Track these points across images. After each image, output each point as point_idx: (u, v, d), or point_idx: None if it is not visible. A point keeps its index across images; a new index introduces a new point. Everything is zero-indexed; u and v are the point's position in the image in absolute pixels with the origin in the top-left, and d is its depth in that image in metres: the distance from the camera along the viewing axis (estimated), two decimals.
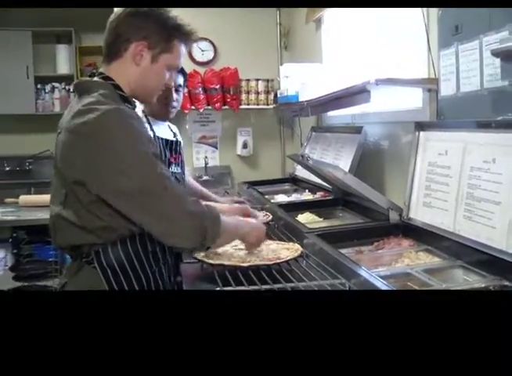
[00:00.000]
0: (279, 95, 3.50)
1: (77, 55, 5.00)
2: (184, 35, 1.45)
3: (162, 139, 2.17)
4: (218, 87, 3.97)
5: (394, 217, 1.88)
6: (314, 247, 1.68)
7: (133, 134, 1.28)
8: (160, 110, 2.19)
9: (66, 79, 5.00)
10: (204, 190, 2.49)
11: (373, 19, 2.63)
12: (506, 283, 1.31)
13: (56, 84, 5.03)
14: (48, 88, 5.01)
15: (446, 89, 1.80)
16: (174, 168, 2.21)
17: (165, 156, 2.14)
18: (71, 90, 5.09)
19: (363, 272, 1.36)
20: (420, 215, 1.80)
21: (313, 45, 3.52)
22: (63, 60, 5.04)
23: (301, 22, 3.67)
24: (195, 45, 4.10)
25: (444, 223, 1.65)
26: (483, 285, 1.32)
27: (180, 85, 2.24)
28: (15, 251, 3.43)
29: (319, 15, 3.28)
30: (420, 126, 1.86)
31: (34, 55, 4.87)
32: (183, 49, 1.47)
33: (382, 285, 1.24)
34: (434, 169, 1.75)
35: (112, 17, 1.43)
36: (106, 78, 1.40)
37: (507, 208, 1.37)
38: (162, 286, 1.47)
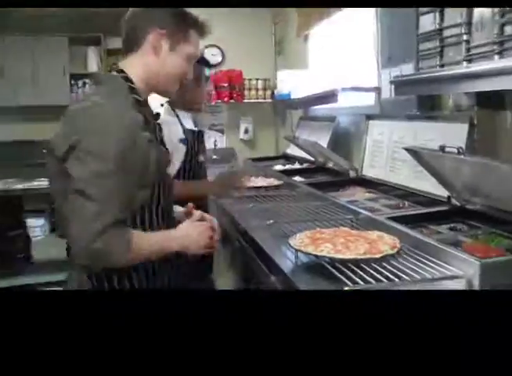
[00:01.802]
0: (276, 94, 4.60)
1: (105, 55, 6.00)
2: (200, 26, 1.46)
3: (191, 130, 2.34)
4: (226, 85, 5.02)
5: (352, 174, 2.99)
6: (302, 191, 2.77)
7: (105, 133, 1.25)
8: (193, 100, 2.35)
9: None
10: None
11: (346, 40, 3.72)
12: (406, 203, 2.41)
13: (87, 80, 5.93)
14: (80, 83, 5.94)
15: (385, 94, 2.89)
16: (201, 158, 2.41)
17: (192, 147, 2.30)
18: None
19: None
20: (368, 171, 2.91)
21: (301, 53, 4.59)
22: (93, 60, 6.00)
23: (293, 34, 4.72)
24: (206, 50, 5.16)
25: (380, 175, 2.75)
26: (393, 203, 2.42)
27: (208, 77, 2.51)
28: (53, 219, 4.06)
29: (306, 31, 4.36)
30: (369, 117, 2.95)
31: (70, 56, 5.88)
32: (199, 38, 1.46)
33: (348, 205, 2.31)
34: (376, 143, 2.85)
35: (128, 14, 1.43)
36: (120, 71, 1.39)
37: (410, 164, 2.46)
38: (145, 279, 1.39)
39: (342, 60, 3.79)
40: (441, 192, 2.09)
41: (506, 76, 1.50)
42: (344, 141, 3.52)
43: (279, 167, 3.87)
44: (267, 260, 1.85)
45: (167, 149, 1.52)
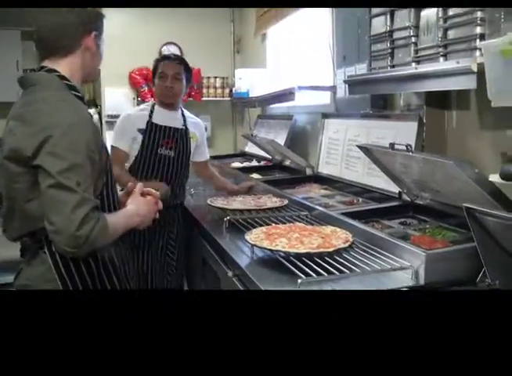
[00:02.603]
0: (234, 92, 4.62)
1: None
2: (101, 13, 1.56)
3: (155, 124, 2.50)
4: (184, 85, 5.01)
5: (309, 171, 3.05)
6: (259, 188, 2.82)
7: (74, 126, 1.32)
8: (161, 94, 2.53)
9: None
10: (218, 177, 2.87)
11: (302, 40, 3.79)
12: (360, 199, 2.48)
13: None
14: None
15: (340, 93, 2.96)
16: (164, 151, 2.53)
17: (153, 138, 2.49)
18: None
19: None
20: (323, 169, 2.98)
21: (259, 52, 4.63)
22: None
23: (251, 33, 4.76)
24: (165, 47, 5.14)
25: (335, 172, 2.82)
26: (347, 200, 2.49)
27: (178, 73, 2.50)
28: None
29: (264, 31, 4.40)
30: (325, 115, 3.02)
31: (23, 51, 5.74)
32: None
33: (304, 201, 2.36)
34: (331, 141, 2.92)
35: (52, 21, 1.44)
36: (50, 71, 1.43)
37: (364, 161, 2.53)
38: (113, 272, 1.51)
39: (299, 59, 3.86)
40: (393, 188, 2.17)
41: (450, 77, 1.59)
42: (300, 139, 3.58)
43: (236, 164, 3.91)
44: (224, 255, 1.88)
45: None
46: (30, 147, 1.31)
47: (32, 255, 1.45)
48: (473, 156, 1.90)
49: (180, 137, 2.60)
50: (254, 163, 3.95)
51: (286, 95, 3.23)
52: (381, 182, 2.31)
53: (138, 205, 1.55)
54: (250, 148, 4.30)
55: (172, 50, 5.14)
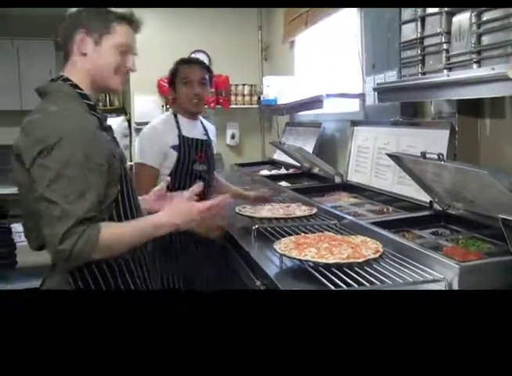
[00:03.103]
0: (262, 99, 4.63)
1: None
2: (122, 16, 1.48)
3: (187, 137, 2.33)
4: (212, 90, 5.04)
5: (338, 179, 3.02)
6: (288, 196, 2.80)
7: (64, 138, 1.29)
8: (187, 102, 2.33)
9: None
10: (231, 187, 2.73)
11: (331, 47, 3.77)
12: (390, 208, 2.44)
13: None
14: None
15: (369, 101, 2.93)
16: (198, 167, 2.37)
17: (189, 154, 2.31)
18: None
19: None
20: (352, 177, 2.94)
21: (287, 59, 4.63)
22: None
23: (279, 40, 4.76)
24: (193, 55, 5.18)
25: (364, 181, 2.79)
26: (377, 208, 2.46)
27: (204, 78, 2.35)
28: None
29: (292, 38, 4.40)
30: (354, 123, 2.99)
31: (56, 60, 5.88)
32: (128, 30, 1.49)
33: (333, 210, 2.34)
34: (360, 149, 2.89)
35: (59, 26, 1.48)
36: (65, 80, 1.43)
37: (394, 170, 2.50)
38: (131, 280, 1.49)
39: (327, 67, 3.84)
40: (424, 197, 2.13)
41: (484, 84, 1.55)
42: (329, 147, 3.55)
43: (265, 172, 3.90)
44: (252, 265, 1.87)
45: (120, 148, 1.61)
46: (28, 160, 1.33)
47: (53, 264, 1.47)
48: (508, 164, 1.85)
49: (208, 148, 2.47)
50: (283, 171, 3.93)
51: (314, 102, 3.21)
52: (412, 191, 2.27)
53: (170, 209, 1.51)
54: (279, 156, 4.29)
55: (201, 58, 5.18)
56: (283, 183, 3.40)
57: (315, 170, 3.47)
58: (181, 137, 2.33)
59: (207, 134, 2.52)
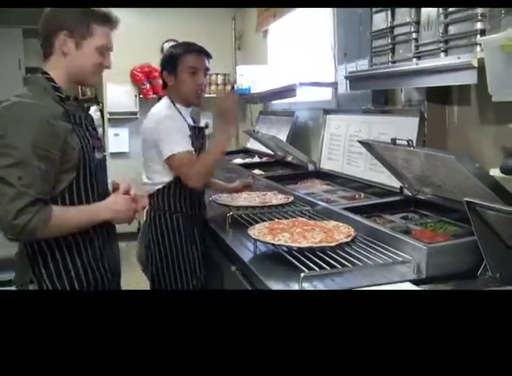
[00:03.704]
0: (235, 88, 4.63)
1: None
2: (102, 18, 1.56)
3: (192, 126, 2.21)
4: None
5: (311, 167, 3.06)
6: (262, 184, 2.83)
7: (21, 127, 1.42)
8: (192, 93, 2.20)
9: None
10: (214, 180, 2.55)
11: (304, 36, 3.79)
12: (362, 194, 2.50)
13: None
14: None
15: (341, 89, 2.97)
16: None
17: (196, 143, 2.18)
18: None
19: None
20: (325, 164, 2.99)
21: (261, 49, 4.64)
22: None
23: (252, 30, 4.77)
24: (166, 44, 5.15)
25: (337, 168, 2.84)
26: (349, 195, 2.51)
27: (208, 69, 2.27)
28: None
29: (265, 28, 4.41)
30: (326, 111, 3.03)
31: (24, 49, 5.76)
32: (107, 30, 1.58)
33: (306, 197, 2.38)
34: (333, 137, 2.93)
35: (40, 21, 1.56)
36: (44, 73, 1.54)
37: (366, 157, 2.54)
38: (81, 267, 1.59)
39: (300, 56, 3.87)
40: (395, 183, 2.19)
41: (450, 72, 1.60)
42: (302, 135, 3.59)
43: (238, 160, 3.92)
44: (227, 250, 1.90)
45: (98, 138, 1.70)
46: None
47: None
48: (473, 150, 1.91)
49: (204, 136, 2.35)
50: (256, 159, 3.96)
51: (287, 91, 3.25)
52: (383, 177, 2.32)
53: (114, 200, 1.63)
54: (252, 144, 4.32)
55: None
56: (257, 171, 3.43)
57: (289, 158, 3.52)
58: (190, 127, 2.20)
59: (195, 122, 2.42)
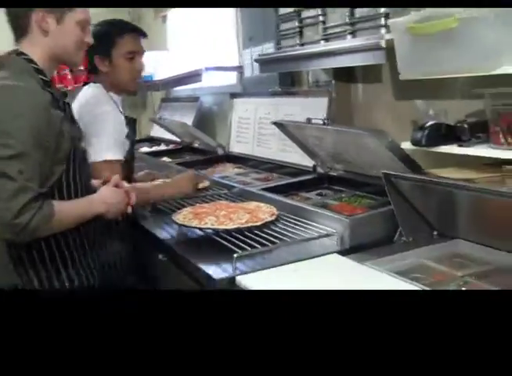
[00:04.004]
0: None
1: None
2: None
3: (129, 118, 2.01)
4: (83, 68, 4.79)
5: (220, 151, 3.08)
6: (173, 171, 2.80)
7: (20, 115, 1.30)
8: (130, 81, 1.97)
9: None
10: None
11: (206, 21, 3.77)
12: (275, 175, 2.56)
13: None
14: None
15: (247, 73, 3.01)
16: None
17: (133, 137, 2.03)
18: None
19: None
20: (235, 148, 3.03)
21: (160, 34, 4.54)
22: None
23: (150, 14, 4.65)
24: None
25: (247, 151, 2.88)
26: (262, 176, 2.57)
27: (144, 51, 2.02)
28: None
29: (164, 13, 4.32)
30: (233, 95, 3.06)
31: None
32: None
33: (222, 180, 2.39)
34: (241, 120, 2.97)
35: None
36: (20, 54, 1.41)
37: (277, 138, 2.61)
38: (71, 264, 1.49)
39: (202, 41, 3.84)
40: (307, 162, 2.27)
41: (361, 53, 1.69)
42: (208, 120, 3.59)
43: (145, 149, 3.84)
44: (152, 239, 1.87)
45: (78, 126, 1.57)
46: None
47: None
48: (377, 126, 2.03)
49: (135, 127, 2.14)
50: (163, 147, 3.90)
51: (192, 76, 3.22)
52: (295, 157, 2.40)
53: (107, 193, 1.53)
54: (156, 132, 4.24)
55: None
56: (166, 159, 3.39)
57: (196, 144, 3.50)
58: (127, 119, 1.96)
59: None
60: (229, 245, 1.51)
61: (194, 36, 3.98)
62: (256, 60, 2.40)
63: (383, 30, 1.64)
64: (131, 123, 2.01)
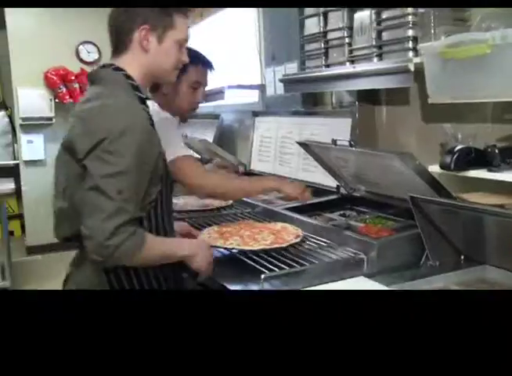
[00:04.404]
0: None
1: None
2: (180, 8, 1.43)
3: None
4: None
5: (241, 169, 3.10)
6: None
7: (127, 133, 1.26)
8: (186, 110, 1.99)
9: None
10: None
11: (228, 39, 3.82)
12: None
13: None
14: None
15: (270, 92, 3.03)
16: None
17: None
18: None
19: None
20: (256, 166, 3.04)
21: None
22: None
23: None
24: (82, 46, 4.97)
25: (268, 169, 2.90)
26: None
27: (207, 84, 2.04)
28: None
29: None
30: (255, 114, 3.08)
31: None
32: (185, 21, 1.44)
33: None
34: (263, 139, 2.99)
35: (110, 15, 1.42)
36: (117, 69, 1.38)
37: (298, 157, 2.62)
38: (163, 279, 1.44)
39: (225, 59, 3.88)
40: (330, 182, 2.27)
41: (386, 76, 1.70)
42: (229, 137, 3.62)
43: None
44: None
45: None
46: (83, 147, 1.27)
47: (80, 259, 1.39)
48: (401, 148, 2.03)
49: None
50: None
51: (215, 94, 3.25)
52: (318, 176, 2.40)
53: (200, 243, 1.53)
54: None
55: (90, 49, 4.99)
56: None
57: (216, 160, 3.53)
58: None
59: None
60: (255, 265, 1.51)
61: (217, 53, 4.03)
62: (281, 80, 2.42)
63: (410, 54, 1.65)
64: None
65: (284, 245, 1.63)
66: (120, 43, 1.40)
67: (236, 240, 1.68)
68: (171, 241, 1.46)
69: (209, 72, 2.02)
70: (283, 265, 1.50)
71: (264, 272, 1.44)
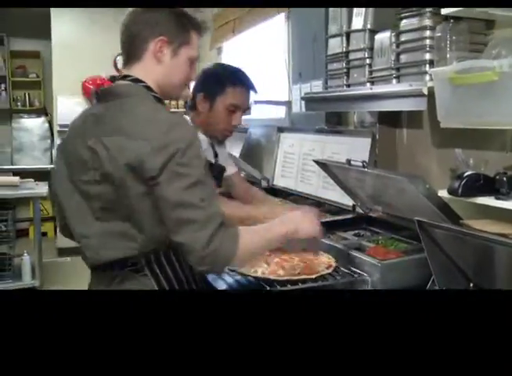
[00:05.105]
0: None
1: (9, 57, 5.77)
2: (198, 25, 1.43)
3: (212, 164, 1.97)
4: None
5: (264, 183, 3.12)
6: None
7: (192, 142, 1.26)
8: (222, 132, 1.97)
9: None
10: (256, 191, 2.45)
11: (258, 55, 3.88)
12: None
13: None
14: None
15: (295, 108, 3.06)
16: None
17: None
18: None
19: None
20: (279, 181, 3.06)
21: None
22: None
23: (206, 46, 4.81)
24: (119, 57, 5.11)
25: (290, 185, 2.91)
26: None
27: (248, 108, 2.01)
28: None
29: (220, 44, 4.47)
30: (280, 129, 3.11)
31: None
32: (198, 38, 1.44)
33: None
34: (287, 155, 3.01)
35: (125, 18, 1.39)
36: (136, 81, 1.35)
37: (319, 175, 2.63)
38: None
39: (254, 74, 3.94)
40: (347, 201, 2.27)
41: (403, 98, 1.70)
42: (255, 152, 3.66)
43: None
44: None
45: None
46: (153, 167, 1.22)
47: (123, 279, 1.36)
48: (421, 171, 2.02)
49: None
50: None
51: None
52: (335, 195, 2.41)
53: (295, 215, 1.51)
54: None
55: None
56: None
57: (241, 174, 3.56)
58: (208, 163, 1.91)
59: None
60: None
61: (247, 68, 4.09)
62: (302, 98, 2.44)
63: (427, 77, 1.65)
64: (216, 170, 2.01)
65: (313, 276, 1.54)
66: (134, 51, 1.36)
67: (261, 267, 1.57)
68: (265, 226, 1.44)
69: (248, 94, 1.93)
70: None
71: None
